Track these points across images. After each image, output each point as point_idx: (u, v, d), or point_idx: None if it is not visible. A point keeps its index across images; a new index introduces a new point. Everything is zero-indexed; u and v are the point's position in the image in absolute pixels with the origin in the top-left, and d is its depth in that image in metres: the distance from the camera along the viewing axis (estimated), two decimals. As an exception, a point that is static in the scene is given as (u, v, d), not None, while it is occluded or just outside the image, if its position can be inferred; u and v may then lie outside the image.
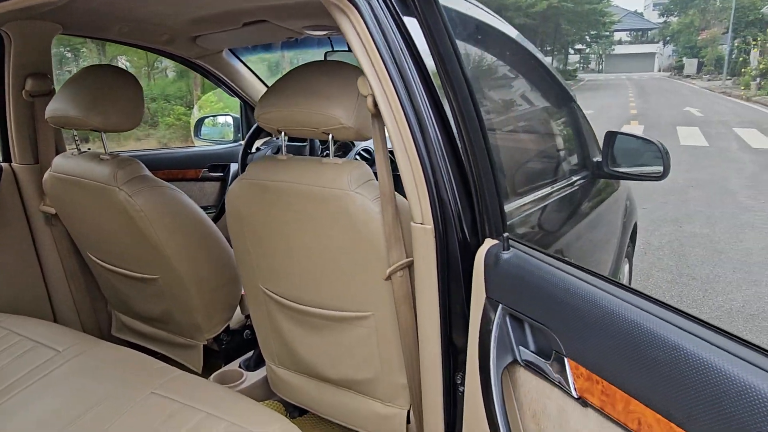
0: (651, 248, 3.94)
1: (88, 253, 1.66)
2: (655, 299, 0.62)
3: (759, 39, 26.57)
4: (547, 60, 1.53)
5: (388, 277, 1.07)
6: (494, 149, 0.91)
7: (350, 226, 1.09)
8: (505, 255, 0.80)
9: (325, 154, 1.59)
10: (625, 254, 2.28)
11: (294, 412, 1.60)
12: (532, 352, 0.72)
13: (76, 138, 1.54)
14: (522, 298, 0.74)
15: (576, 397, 0.63)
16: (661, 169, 1.62)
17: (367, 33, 0.91)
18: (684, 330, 0.55)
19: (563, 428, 0.66)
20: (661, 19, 66.97)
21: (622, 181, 2.22)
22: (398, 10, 0.95)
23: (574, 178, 1.63)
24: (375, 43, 0.90)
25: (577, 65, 73.31)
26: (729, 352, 0.50)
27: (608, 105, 18.26)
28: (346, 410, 1.36)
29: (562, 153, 1.75)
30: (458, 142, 0.91)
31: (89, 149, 1.58)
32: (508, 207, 1.14)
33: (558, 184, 1.50)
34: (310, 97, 1.10)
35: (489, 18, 1.22)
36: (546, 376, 0.69)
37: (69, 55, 11.91)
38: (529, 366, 0.72)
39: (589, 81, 43.18)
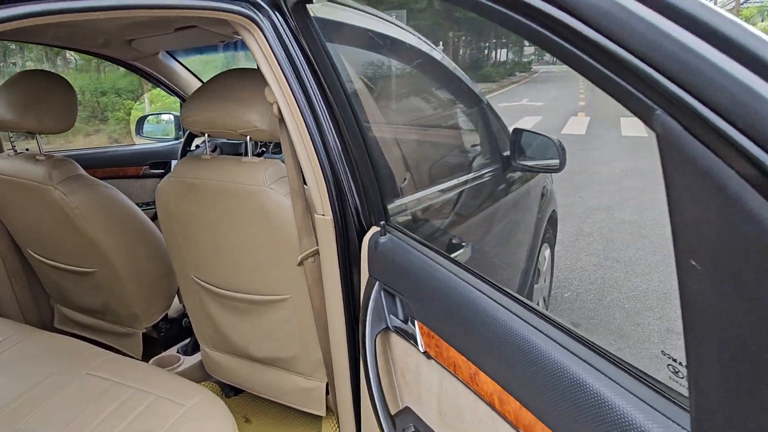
0: (582, 234, 4.21)
1: (28, 249, 1.73)
2: (481, 276, 0.78)
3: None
4: (454, 66, 1.69)
5: (301, 264, 1.21)
6: (382, 148, 1.06)
7: (266, 219, 1.23)
8: (382, 240, 0.95)
9: (262, 151, 1.72)
10: (543, 239, 2.48)
11: (230, 392, 1.72)
12: (399, 319, 0.88)
13: (12, 139, 1.61)
14: (392, 276, 0.89)
15: (422, 351, 0.79)
16: (558, 162, 1.81)
17: (269, 49, 1.04)
18: (488, 297, 0.71)
19: (419, 379, 0.82)
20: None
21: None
22: (299, 28, 1.08)
23: (483, 171, 1.80)
24: (276, 58, 1.04)
25: (533, 57, 74.89)
26: (509, 310, 0.67)
27: (559, 97, 18.84)
28: (274, 386, 1.49)
29: (468, 149, 1.92)
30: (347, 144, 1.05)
31: (27, 149, 1.65)
32: (407, 199, 1.30)
33: (464, 177, 1.67)
34: (228, 102, 1.22)
35: (390, 29, 1.36)
36: (407, 338, 0.84)
37: (13, 47, 11.51)
38: (397, 331, 0.87)
39: (543, 73, 44.16)
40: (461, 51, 40.71)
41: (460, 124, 2.01)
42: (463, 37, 40.55)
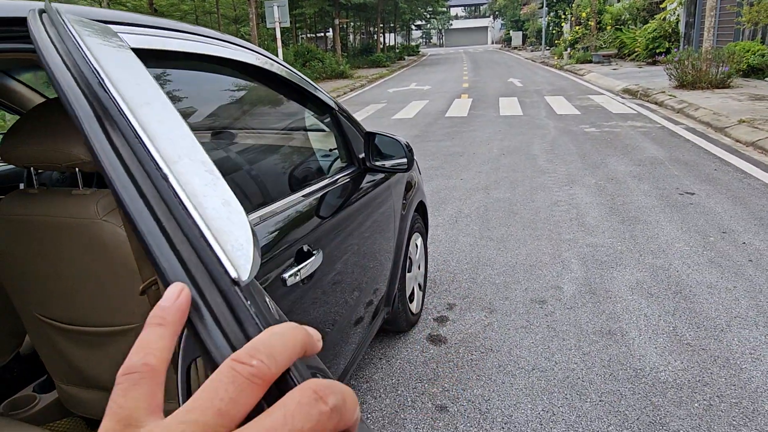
0: (461, 216, 4.46)
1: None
2: None
3: (567, 12, 29.89)
4: (297, 77, 1.73)
5: (143, 292, 1.22)
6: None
7: (103, 251, 1.21)
8: None
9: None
10: (413, 229, 2.62)
11: (96, 426, 1.68)
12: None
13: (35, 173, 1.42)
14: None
15: None
16: (405, 162, 1.93)
17: None
18: None
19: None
20: (490, -5, 71.96)
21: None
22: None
23: (340, 175, 1.87)
24: None
25: (420, 41, 76.73)
26: None
27: (444, 79, 19.53)
28: None
29: (321, 157, 1.98)
30: None
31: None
32: (260, 213, 1.33)
33: (318, 183, 1.73)
34: (51, 136, 1.18)
35: (221, 51, 1.37)
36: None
37: None
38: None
39: (431, 56, 45.47)
40: (350, 38, 40.70)
41: (308, 133, 2.07)
42: (352, 24, 40.49)
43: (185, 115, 1.64)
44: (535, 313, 2.86)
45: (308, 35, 37.37)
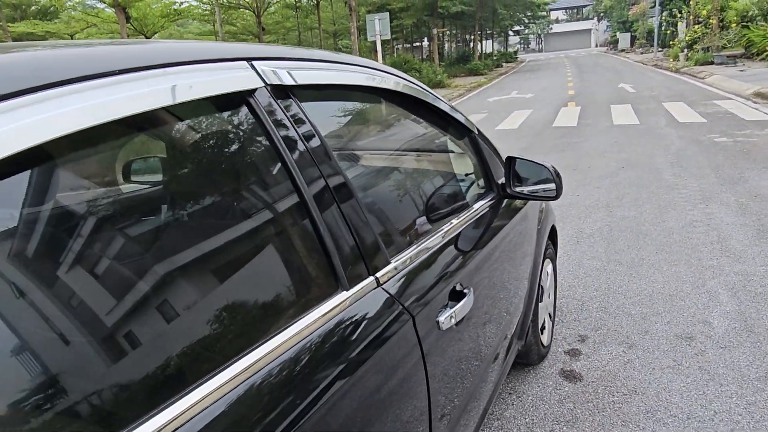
0: (583, 236, 4.18)
1: None
2: None
3: (684, 11, 27.77)
4: (443, 102, 1.65)
5: None
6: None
7: None
8: None
9: None
10: (545, 256, 2.45)
11: None
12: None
13: None
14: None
15: None
16: (554, 188, 1.78)
17: None
18: None
19: None
20: (594, -4, 68.92)
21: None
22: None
23: (480, 203, 1.76)
24: None
25: (518, 47, 74.93)
26: None
27: (547, 86, 18.82)
28: None
29: (459, 181, 1.88)
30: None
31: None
32: (408, 253, 1.25)
33: (463, 212, 1.63)
34: None
35: (365, 79, 1.32)
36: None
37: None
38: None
39: (530, 62, 44.23)
40: (446, 46, 40.66)
41: (449, 157, 1.97)
42: (448, 32, 40.47)
43: (347, 140, 1.61)
44: (682, 351, 2.56)
45: (404, 45, 37.82)
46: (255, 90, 0.94)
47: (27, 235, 0.66)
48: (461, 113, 1.76)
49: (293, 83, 1.02)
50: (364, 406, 0.95)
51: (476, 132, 1.81)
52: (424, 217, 1.61)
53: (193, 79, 0.84)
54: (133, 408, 0.65)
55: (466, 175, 1.92)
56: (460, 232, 1.55)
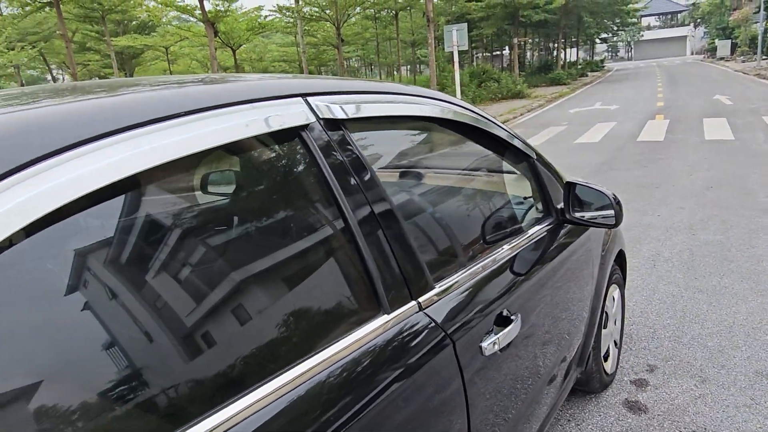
0: (660, 260, 3.97)
1: None
2: None
3: (793, 16, 25.56)
4: (500, 127, 1.67)
5: None
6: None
7: None
8: None
9: None
10: (610, 281, 2.37)
11: None
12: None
13: None
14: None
15: None
16: (613, 215, 1.74)
17: None
18: None
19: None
20: (691, 1, 65.08)
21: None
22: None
23: (537, 228, 1.75)
24: None
25: (605, 55, 71.94)
26: None
27: (634, 98, 17.96)
28: None
29: (515, 205, 1.88)
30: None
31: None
32: (454, 278, 1.28)
33: (518, 236, 1.63)
34: None
35: (430, 110, 1.37)
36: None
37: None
38: None
39: (617, 71, 42.32)
40: (528, 55, 39.83)
41: (504, 181, 1.98)
42: (530, 41, 39.65)
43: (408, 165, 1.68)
44: (761, 390, 2.39)
45: (484, 54, 37.45)
46: (308, 125, 1.02)
47: (129, 241, 0.80)
48: (519, 138, 1.77)
49: (344, 117, 1.09)
50: (399, 426, 1.00)
51: (535, 156, 1.81)
52: (475, 241, 1.63)
53: (253, 117, 0.93)
54: (201, 402, 0.76)
55: (525, 198, 1.92)
56: (513, 257, 1.55)
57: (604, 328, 2.38)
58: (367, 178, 1.10)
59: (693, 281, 3.56)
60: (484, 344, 1.27)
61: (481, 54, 37.78)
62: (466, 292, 1.30)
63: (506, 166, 1.91)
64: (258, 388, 0.81)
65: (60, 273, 0.71)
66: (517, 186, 1.92)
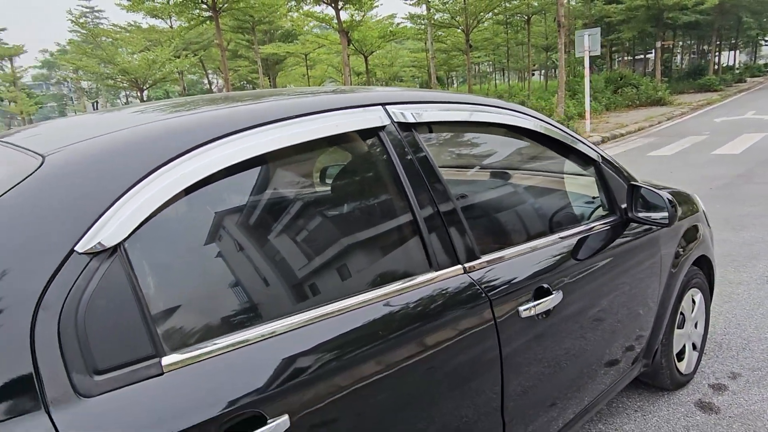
0: (776, 276, 3.79)
1: None
2: None
3: None
4: (563, 131, 1.92)
5: None
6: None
7: None
8: None
9: None
10: (689, 284, 2.46)
11: None
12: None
13: None
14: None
15: None
16: (667, 217, 1.91)
17: None
18: None
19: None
20: None
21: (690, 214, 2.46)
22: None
23: (600, 222, 1.98)
24: None
25: (772, 57, 63.82)
26: None
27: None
28: None
29: (585, 203, 2.10)
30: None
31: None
32: (502, 252, 1.59)
33: (580, 227, 1.89)
34: None
35: (502, 117, 1.72)
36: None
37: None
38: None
39: (784, 76, 37.52)
40: (677, 59, 36.82)
41: (567, 182, 2.21)
42: (680, 43, 36.65)
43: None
44: None
45: (625, 58, 35.33)
46: (384, 126, 1.41)
47: (255, 214, 1.25)
48: (585, 142, 2.00)
49: (413, 121, 1.46)
50: (434, 365, 1.34)
51: (600, 159, 2.03)
52: (529, 228, 1.92)
53: (344, 120, 1.34)
54: (313, 298, 1.25)
55: (593, 198, 2.13)
56: (566, 243, 1.81)
57: (680, 329, 2.48)
58: (429, 168, 1.46)
59: (807, 300, 3.39)
60: (521, 308, 1.55)
61: (622, 58, 35.70)
62: (510, 264, 1.60)
63: (573, 167, 2.14)
64: (340, 301, 1.21)
65: (204, 221, 1.18)
66: (582, 187, 2.14)
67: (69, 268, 0.91)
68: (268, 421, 1.00)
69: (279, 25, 25.83)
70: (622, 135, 13.49)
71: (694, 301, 2.59)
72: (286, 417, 1.02)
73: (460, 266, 1.45)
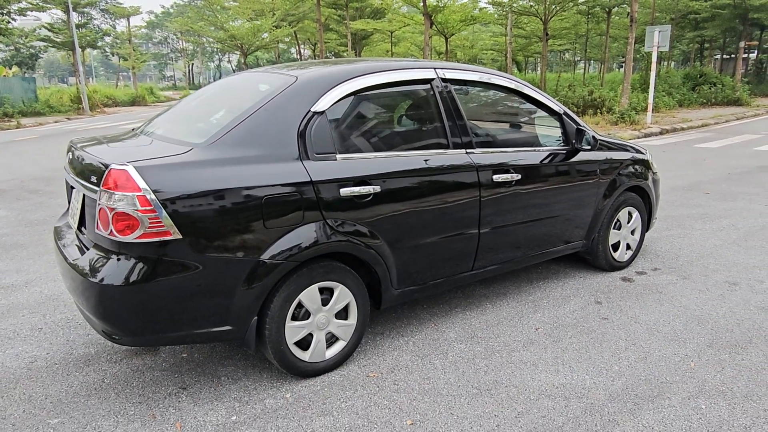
0: (740, 232, 5.02)
1: None
2: None
3: None
4: (539, 94, 3.41)
5: None
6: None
7: None
8: None
9: None
10: (625, 203, 3.86)
11: None
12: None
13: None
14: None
15: None
16: (590, 147, 3.38)
17: None
18: None
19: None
20: None
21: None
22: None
23: (552, 147, 3.45)
24: None
25: None
26: None
27: None
28: None
29: (554, 140, 3.57)
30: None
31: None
32: (489, 149, 3.15)
33: (544, 146, 3.40)
34: None
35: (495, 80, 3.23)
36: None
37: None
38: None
39: None
40: (748, 61, 35.26)
41: (536, 123, 3.67)
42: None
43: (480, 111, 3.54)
44: (725, 291, 3.67)
45: (711, 56, 34.34)
46: (434, 78, 2.97)
47: None
48: (552, 100, 3.47)
49: (450, 77, 3.01)
50: (446, 199, 2.91)
51: (562, 113, 3.48)
52: (510, 142, 3.44)
53: (418, 73, 2.93)
54: None
55: (558, 137, 3.58)
56: (527, 151, 3.30)
57: (617, 230, 3.89)
58: (455, 103, 3.00)
59: (744, 242, 4.64)
60: (494, 176, 3.07)
61: (708, 54, 34.67)
62: (492, 154, 3.11)
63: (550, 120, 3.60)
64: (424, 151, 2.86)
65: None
66: (549, 128, 3.60)
67: (308, 116, 2.54)
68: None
69: (369, 2, 27.43)
70: (683, 129, 14.14)
71: (631, 215, 3.98)
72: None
73: (464, 150, 3.00)
